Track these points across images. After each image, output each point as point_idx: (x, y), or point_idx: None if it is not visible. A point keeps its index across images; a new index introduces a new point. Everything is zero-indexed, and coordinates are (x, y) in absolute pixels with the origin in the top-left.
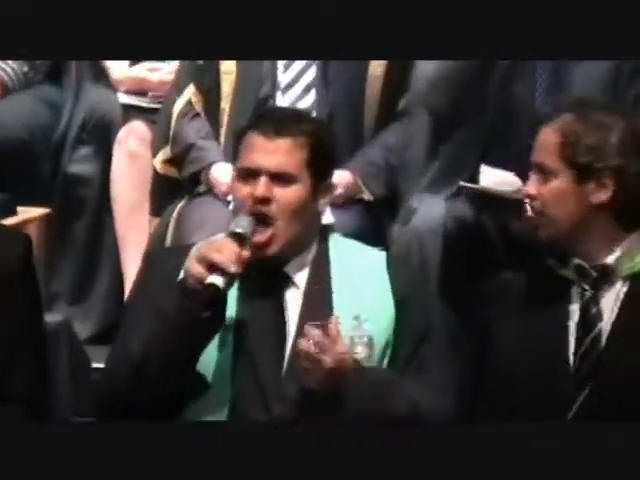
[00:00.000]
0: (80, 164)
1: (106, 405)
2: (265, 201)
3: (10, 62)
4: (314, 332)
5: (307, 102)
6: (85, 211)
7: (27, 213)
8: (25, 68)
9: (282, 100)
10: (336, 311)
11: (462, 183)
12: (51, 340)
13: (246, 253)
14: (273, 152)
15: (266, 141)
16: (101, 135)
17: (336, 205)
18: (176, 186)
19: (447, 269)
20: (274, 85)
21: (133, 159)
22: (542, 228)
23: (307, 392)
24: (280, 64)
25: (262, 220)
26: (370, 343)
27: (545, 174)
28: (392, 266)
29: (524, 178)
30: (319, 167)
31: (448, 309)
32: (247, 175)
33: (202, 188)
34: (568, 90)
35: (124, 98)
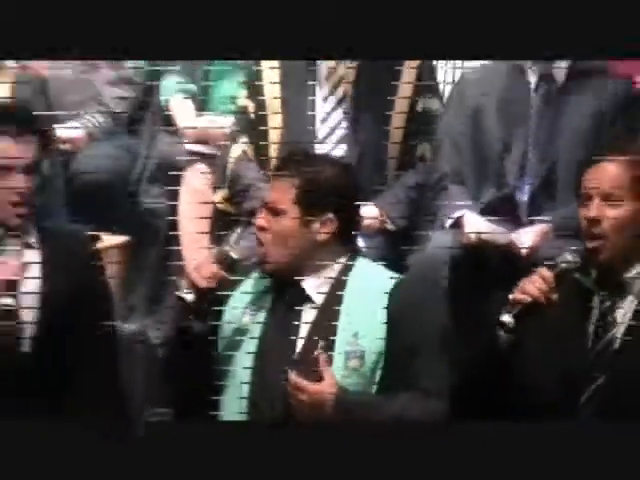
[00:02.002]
0: (153, 200)
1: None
2: (263, 229)
3: (97, 115)
4: (292, 376)
5: (340, 152)
6: (158, 239)
7: (111, 240)
8: (109, 120)
9: (319, 150)
10: (340, 328)
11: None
12: (129, 344)
13: (221, 273)
14: (276, 190)
15: (278, 180)
16: (171, 176)
17: (365, 234)
18: (231, 220)
19: (454, 288)
20: (313, 137)
21: (196, 196)
22: (601, 251)
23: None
24: (318, 120)
25: (260, 243)
26: (362, 356)
27: (610, 201)
28: (397, 287)
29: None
30: (308, 204)
31: (451, 323)
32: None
33: None
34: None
35: (189, 145)
